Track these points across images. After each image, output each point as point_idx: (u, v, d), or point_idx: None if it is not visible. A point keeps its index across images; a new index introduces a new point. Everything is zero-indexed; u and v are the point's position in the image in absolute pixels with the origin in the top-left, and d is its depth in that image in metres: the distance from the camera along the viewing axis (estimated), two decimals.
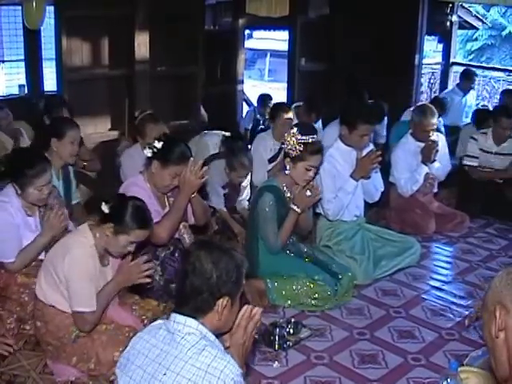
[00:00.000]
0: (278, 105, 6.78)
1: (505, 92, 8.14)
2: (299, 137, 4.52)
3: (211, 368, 2.30)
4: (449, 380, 2.94)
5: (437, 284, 5.20)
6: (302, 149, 4.52)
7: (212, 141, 6.30)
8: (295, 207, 4.62)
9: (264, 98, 9.48)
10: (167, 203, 4.41)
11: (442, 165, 6.36)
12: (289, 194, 4.72)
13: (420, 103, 7.37)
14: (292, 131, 4.59)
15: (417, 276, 5.33)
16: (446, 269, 5.54)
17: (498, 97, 8.27)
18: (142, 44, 6.94)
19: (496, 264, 5.49)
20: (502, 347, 1.95)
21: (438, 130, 6.67)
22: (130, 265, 3.63)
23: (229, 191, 5.78)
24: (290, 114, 6.39)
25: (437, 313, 4.70)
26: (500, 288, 1.96)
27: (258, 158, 6.19)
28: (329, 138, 5.93)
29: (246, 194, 5.94)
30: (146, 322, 3.78)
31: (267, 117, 9.05)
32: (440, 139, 6.36)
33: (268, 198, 4.58)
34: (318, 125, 7.26)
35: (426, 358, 4.08)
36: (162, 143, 4.17)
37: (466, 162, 6.83)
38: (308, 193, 4.64)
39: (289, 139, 4.56)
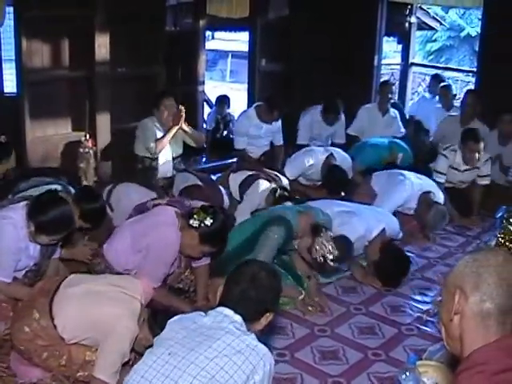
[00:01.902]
0: None
1: (468, 92, 8.25)
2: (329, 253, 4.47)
3: (257, 348, 2.54)
4: (407, 374, 3.01)
5: None
6: (320, 261, 4.50)
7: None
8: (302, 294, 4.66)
9: (221, 99, 9.52)
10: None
11: None
12: (296, 244, 4.69)
13: None
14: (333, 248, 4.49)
15: None
16: None
17: (462, 96, 8.40)
18: (102, 45, 6.90)
19: (454, 260, 5.57)
20: (456, 329, 2.02)
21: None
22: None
23: None
24: None
25: (396, 309, 4.79)
26: (463, 273, 2.00)
27: (249, 203, 5.92)
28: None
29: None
30: None
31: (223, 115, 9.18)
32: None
33: (281, 232, 4.47)
34: (279, 123, 7.36)
35: (386, 353, 4.16)
36: (211, 221, 4.11)
37: (436, 178, 6.76)
38: (310, 308, 4.66)
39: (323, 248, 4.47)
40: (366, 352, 4.16)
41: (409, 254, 5.76)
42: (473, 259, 2.02)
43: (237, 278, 2.79)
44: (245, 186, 5.87)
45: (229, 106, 9.72)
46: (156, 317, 3.52)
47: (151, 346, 2.99)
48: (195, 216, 4.10)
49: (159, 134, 6.20)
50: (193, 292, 4.45)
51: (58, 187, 4.54)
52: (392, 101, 8.29)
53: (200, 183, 5.90)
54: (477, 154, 6.55)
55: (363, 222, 5.16)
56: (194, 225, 4.08)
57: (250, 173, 5.97)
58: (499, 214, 4.96)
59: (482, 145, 6.55)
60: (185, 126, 6.30)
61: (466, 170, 6.77)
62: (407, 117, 9.15)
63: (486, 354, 1.95)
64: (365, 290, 5.08)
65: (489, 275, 1.96)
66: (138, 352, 3.57)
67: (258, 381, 2.50)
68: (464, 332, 2.00)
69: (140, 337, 3.49)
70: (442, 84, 9.07)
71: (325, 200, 5.68)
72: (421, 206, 6.06)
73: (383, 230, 5.24)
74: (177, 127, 6.17)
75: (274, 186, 5.78)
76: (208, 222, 4.07)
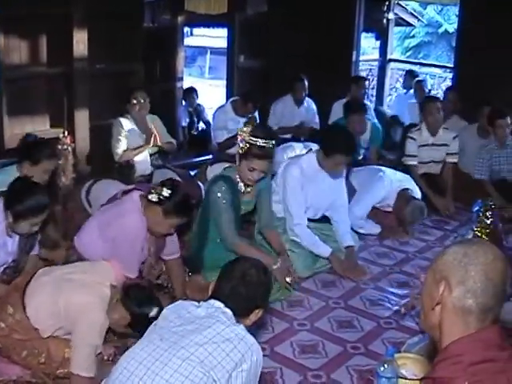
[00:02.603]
0: None
1: (449, 90, 8.35)
2: (250, 136, 4.46)
3: (245, 338, 2.63)
4: (386, 366, 3.05)
5: (375, 275, 5.32)
6: (248, 148, 4.48)
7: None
8: (274, 262, 4.57)
9: (189, 91, 9.50)
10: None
11: None
12: (243, 189, 4.70)
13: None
14: (247, 128, 4.53)
15: None
16: (384, 260, 5.66)
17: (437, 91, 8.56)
18: (80, 41, 6.88)
19: (431, 254, 5.62)
20: (436, 318, 2.06)
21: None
22: None
23: None
24: None
25: (375, 302, 4.82)
26: (452, 265, 2.02)
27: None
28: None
29: None
30: None
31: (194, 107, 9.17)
32: None
33: (220, 186, 4.53)
34: (255, 115, 7.39)
35: (365, 346, 4.19)
36: (169, 192, 4.09)
37: (408, 161, 6.88)
38: (288, 279, 4.64)
39: (242, 134, 4.51)
40: (345, 345, 4.18)
41: (387, 248, 5.87)
42: (463, 253, 2.03)
43: (228, 275, 2.87)
44: None
45: (197, 97, 9.71)
46: (129, 292, 3.53)
47: (130, 324, 3.05)
48: (153, 191, 4.11)
49: (133, 131, 6.21)
50: (172, 287, 4.45)
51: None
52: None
53: (178, 179, 5.91)
54: (438, 115, 6.74)
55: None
56: (154, 199, 4.08)
57: (227, 164, 5.98)
58: (475, 208, 5.01)
59: (439, 104, 6.78)
60: (158, 142, 6.30)
61: (434, 145, 6.89)
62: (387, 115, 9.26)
63: (463, 346, 1.99)
64: (344, 284, 5.11)
65: (476, 273, 1.98)
66: (120, 333, 3.61)
67: (245, 369, 2.57)
68: (443, 322, 2.04)
69: (116, 317, 3.51)
70: (417, 79, 9.18)
71: None
72: (399, 201, 6.11)
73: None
74: (148, 146, 6.18)
75: None
76: (165, 193, 4.07)
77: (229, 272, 2.89)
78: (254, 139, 4.43)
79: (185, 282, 4.63)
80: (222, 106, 7.54)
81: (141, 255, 4.24)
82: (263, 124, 7.04)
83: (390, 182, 6.11)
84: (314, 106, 8.18)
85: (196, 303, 2.80)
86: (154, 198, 4.07)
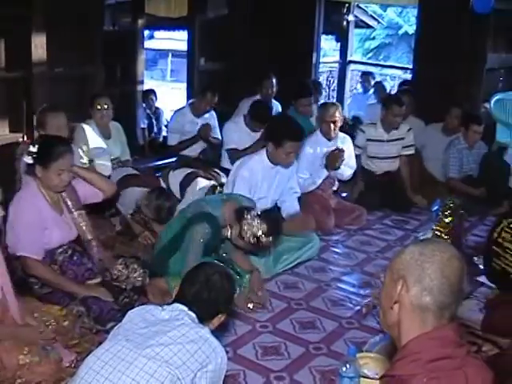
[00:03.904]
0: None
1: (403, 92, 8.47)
2: (258, 232, 4.49)
3: (209, 341, 2.68)
4: (348, 366, 3.06)
5: (337, 275, 5.35)
6: (253, 241, 4.51)
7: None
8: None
9: (147, 94, 9.47)
10: (64, 207, 4.32)
11: (348, 167, 6.60)
12: (228, 233, 4.66)
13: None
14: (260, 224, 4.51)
15: (317, 268, 5.46)
16: (346, 260, 5.70)
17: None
18: (39, 45, 6.81)
19: (392, 254, 5.60)
20: (394, 316, 2.10)
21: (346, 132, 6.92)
22: None
23: (136, 210, 5.70)
24: None
25: (337, 303, 4.84)
26: (409, 264, 2.07)
27: (188, 201, 5.84)
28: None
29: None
30: (50, 327, 3.77)
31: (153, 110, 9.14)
32: (348, 142, 6.59)
33: (204, 229, 4.44)
34: (214, 120, 7.42)
35: (327, 346, 4.20)
36: (36, 146, 4.09)
37: (354, 151, 7.02)
38: (250, 305, 4.66)
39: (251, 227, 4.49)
40: (308, 346, 4.19)
41: (348, 249, 5.92)
42: (419, 252, 2.07)
43: (192, 279, 2.91)
44: (184, 184, 5.88)
45: (156, 99, 9.70)
46: None
47: None
48: (25, 154, 4.17)
49: (95, 137, 6.14)
50: (131, 291, 4.42)
51: None
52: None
53: (137, 172, 5.94)
54: (399, 118, 6.91)
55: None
56: (30, 161, 4.11)
57: (189, 171, 5.97)
58: (435, 208, 5.08)
59: (404, 109, 6.92)
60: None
61: (390, 141, 7.03)
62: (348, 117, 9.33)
63: (421, 344, 2.02)
64: (306, 285, 5.12)
65: (432, 271, 2.02)
66: None
67: (210, 370, 2.62)
68: (402, 321, 2.07)
69: None
70: (376, 80, 9.32)
71: None
72: None
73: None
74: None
75: (213, 183, 5.79)
76: (33, 149, 4.08)
77: (193, 277, 2.92)
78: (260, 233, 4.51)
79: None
80: (181, 109, 7.51)
81: (44, 234, 4.16)
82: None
83: None
84: (279, 109, 8.18)
85: (160, 307, 2.82)
86: (29, 160, 4.11)
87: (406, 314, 2.06)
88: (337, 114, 6.29)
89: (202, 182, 5.85)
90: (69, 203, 4.34)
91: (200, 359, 2.58)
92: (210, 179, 5.91)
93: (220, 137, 7.27)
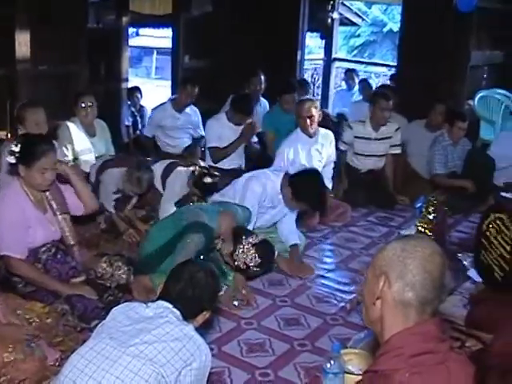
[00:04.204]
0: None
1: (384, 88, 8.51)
2: (250, 263, 4.52)
3: (194, 338, 2.68)
4: (332, 362, 3.07)
5: (321, 272, 5.36)
6: (242, 267, 4.56)
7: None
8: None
9: (132, 91, 9.45)
10: (48, 207, 4.29)
11: (329, 161, 6.67)
12: (219, 246, 4.68)
13: None
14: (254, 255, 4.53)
15: None
16: (330, 257, 5.73)
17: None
18: (23, 43, 6.80)
19: (376, 250, 5.67)
20: (377, 312, 2.11)
21: (324, 124, 6.92)
22: None
23: (120, 197, 5.68)
24: None
25: (321, 300, 4.85)
26: (391, 260, 2.08)
27: (170, 192, 5.84)
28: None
29: (135, 199, 5.87)
30: (33, 324, 3.75)
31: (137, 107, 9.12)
32: (330, 138, 6.61)
33: (199, 238, 4.43)
34: (198, 117, 7.48)
35: (312, 343, 4.21)
36: (18, 145, 4.04)
37: (340, 146, 7.14)
38: (235, 303, 4.66)
39: (245, 256, 4.53)
40: (293, 343, 4.20)
41: (333, 246, 5.94)
42: (401, 248, 2.09)
43: (176, 277, 2.91)
44: (165, 175, 5.88)
45: (141, 97, 9.68)
46: None
47: None
48: (7, 153, 4.13)
49: (80, 134, 6.14)
50: (116, 289, 4.40)
51: None
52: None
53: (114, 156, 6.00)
54: (386, 112, 6.91)
55: (259, 181, 5.33)
56: (13, 161, 4.07)
57: (168, 162, 5.96)
58: (418, 204, 5.10)
59: (391, 103, 6.91)
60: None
61: (377, 139, 7.04)
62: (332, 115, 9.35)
63: (403, 339, 2.03)
64: (290, 282, 5.13)
65: (414, 267, 2.03)
66: None
67: (195, 368, 2.62)
68: (384, 316, 2.08)
69: None
70: (362, 78, 9.36)
71: None
72: None
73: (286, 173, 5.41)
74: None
75: (192, 168, 5.76)
76: (15, 148, 4.03)
77: (177, 274, 2.92)
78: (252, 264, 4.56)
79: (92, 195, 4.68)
80: (162, 104, 7.55)
81: (28, 233, 4.13)
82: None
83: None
84: (267, 107, 8.18)
85: (144, 304, 2.81)
86: (12, 160, 4.07)
87: (388, 310, 2.07)
88: (312, 109, 6.27)
89: (183, 169, 5.84)
90: (54, 205, 4.31)
91: (184, 357, 2.58)
92: (189, 166, 5.89)
93: (203, 133, 7.27)
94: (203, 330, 4.15)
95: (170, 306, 2.77)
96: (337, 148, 6.96)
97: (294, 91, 7.53)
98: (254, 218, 5.23)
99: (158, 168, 5.83)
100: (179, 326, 2.67)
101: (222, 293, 4.53)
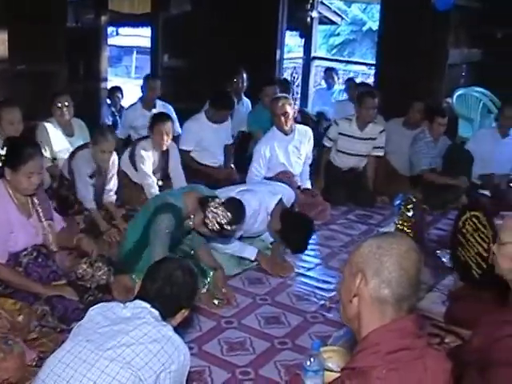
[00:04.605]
0: (158, 117, 6.41)
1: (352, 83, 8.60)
2: (222, 221, 4.48)
3: (172, 339, 2.65)
4: (312, 360, 3.07)
5: (301, 270, 5.37)
6: (217, 229, 4.51)
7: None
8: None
9: (113, 91, 9.43)
10: (32, 211, 4.24)
11: (307, 158, 6.70)
12: (190, 223, 4.65)
13: None
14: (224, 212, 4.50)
15: None
16: (310, 255, 5.71)
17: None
18: (0, 42, 6.77)
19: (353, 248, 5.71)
20: (354, 309, 2.13)
21: (303, 123, 6.93)
22: None
23: (96, 181, 5.68)
24: (168, 129, 6.19)
25: (301, 298, 4.86)
26: (367, 257, 2.09)
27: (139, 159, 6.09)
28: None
29: (112, 184, 5.82)
30: (3, 319, 3.72)
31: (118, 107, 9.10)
32: (309, 135, 6.63)
33: (168, 219, 4.42)
34: (167, 107, 7.42)
35: (292, 341, 4.22)
36: (5, 149, 4.04)
37: (324, 142, 7.20)
38: (216, 301, 4.65)
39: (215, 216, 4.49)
40: (273, 341, 4.21)
41: (312, 244, 5.91)
42: (377, 245, 2.10)
43: (153, 276, 2.88)
44: (131, 155, 6.10)
45: (122, 97, 9.65)
46: None
47: None
48: None
49: (58, 134, 6.14)
50: (96, 289, 4.39)
51: None
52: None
53: None
54: (372, 110, 6.94)
55: (256, 197, 5.30)
56: None
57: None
58: (397, 202, 5.13)
59: (377, 101, 6.93)
60: None
61: (362, 139, 7.06)
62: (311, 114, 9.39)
63: (380, 336, 2.04)
64: (270, 280, 5.14)
65: (390, 264, 2.04)
66: None
67: (173, 370, 2.59)
68: (361, 313, 2.09)
69: None
70: (349, 77, 9.42)
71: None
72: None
73: (280, 199, 5.42)
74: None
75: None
76: (1, 151, 4.11)
77: (155, 272, 2.89)
78: (224, 221, 4.52)
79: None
80: (133, 104, 7.57)
81: (8, 237, 4.10)
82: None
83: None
84: (250, 105, 8.18)
85: (122, 304, 2.79)
86: None
87: (365, 307, 2.09)
88: (286, 106, 6.30)
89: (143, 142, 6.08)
90: (40, 211, 4.27)
91: (163, 359, 2.56)
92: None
93: (179, 131, 7.26)
94: (183, 329, 4.18)
95: (148, 305, 2.74)
96: (321, 145, 6.99)
97: (275, 84, 7.54)
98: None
99: (124, 156, 5.96)
100: (157, 327, 2.65)
101: (203, 291, 4.57)
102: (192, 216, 4.61)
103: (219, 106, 6.83)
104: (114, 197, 5.85)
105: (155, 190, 5.94)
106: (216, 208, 4.47)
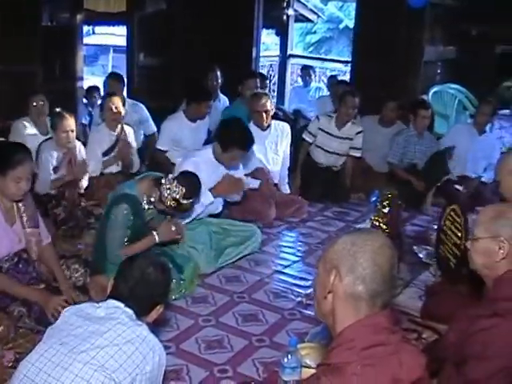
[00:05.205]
0: (107, 94, 6.70)
1: (339, 84, 8.59)
2: (177, 196, 4.46)
3: (147, 340, 2.62)
4: (290, 356, 3.08)
5: (278, 268, 5.38)
6: (174, 205, 4.49)
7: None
8: (156, 235, 4.55)
9: (91, 90, 9.39)
10: (17, 217, 4.15)
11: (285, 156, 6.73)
12: (146, 207, 4.59)
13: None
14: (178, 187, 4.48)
15: (259, 261, 5.48)
16: (287, 253, 5.74)
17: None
18: None
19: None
20: (329, 305, 2.14)
21: (281, 119, 6.95)
22: None
23: (64, 172, 5.77)
24: (116, 102, 6.33)
25: (279, 295, 4.88)
26: (341, 255, 2.10)
27: (91, 150, 6.18)
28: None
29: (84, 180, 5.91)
30: None
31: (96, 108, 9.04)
32: (286, 131, 6.65)
33: (122, 209, 4.37)
34: (144, 112, 7.45)
35: (270, 338, 4.22)
36: None
37: (305, 136, 7.19)
38: (173, 228, 4.63)
39: (170, 192, 4.46)
40: (251, 339, 4.21)
41: (289, 242, 5.99)
42: (351, 242, 2.11)
43: (125, 274, 2.86)
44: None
45: (99, 97, 9.59)
46: None
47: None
48: None
49: (32, 133, 6.13)
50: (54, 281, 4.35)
51: None
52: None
53: None
54: (352, 110, 6.98)
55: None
56: None
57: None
58: (373, 199, 5.15)
59: (357, 101, 6.97)
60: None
61: (338, 138, 7.09)
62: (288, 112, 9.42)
63: (355, 332, 2.06)
64: (248, 278, 5.15)
65: (364, 260, 2.06)
66: None
67: (148, 371, 2.57)
68: (336, 309, 2.10)
69: None
70: (331, 75, 9.47)
71: None
72: None
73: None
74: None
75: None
76: None
77: (126, 271, 2.87)
78: (179, 196, 4.49)
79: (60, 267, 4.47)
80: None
81: None
82: None
83: None
84: (227, 102, 8.17)
85: (96, 304, 2.76)
86: None
87: (339, 303, 2.10)
88: (268, 104, 6.35)
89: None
90: (24, 218, 4.18)
91: (137, 360, 2.54)
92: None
93: (154, 129, 7.24)
94: (161, 327, 4.19)
95: (122, 305, 2.72)
96: (298, 142, 7.00)
97: (256, 77, 7.54)
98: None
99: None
100: (131, 328, 2.62)
101: (173, 228, 4.60)
102: (147, 198, 4.57)
103: (199, 98, 6.81)
104: (85, 184, 5.98)
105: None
106: (170, 184, 4.45)
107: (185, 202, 4.50)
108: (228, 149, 5.26)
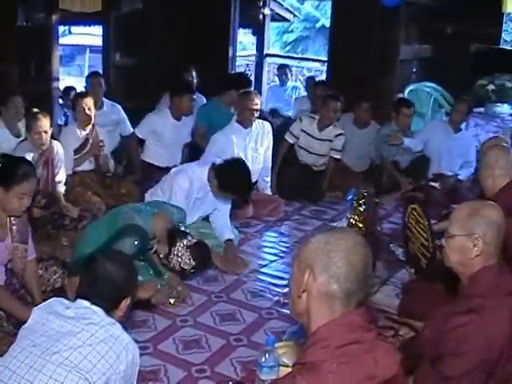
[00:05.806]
0: (79, 94, 6.70)
1: (317, 84, 8.61)
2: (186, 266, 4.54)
3: (120, 338, 2.60)
4: (267, 355, 3.09)
5: (255, 267, 5.40)
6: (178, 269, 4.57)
7: None
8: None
9: (67, 91, 9.34)
10: (9, 232, 4.05)
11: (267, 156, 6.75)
12: (155, 247, 4.62)
13: None
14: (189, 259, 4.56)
15: None
16: (265, 252, 5.77)
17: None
18: None
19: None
20: (303, 304, 2.14)
21: (264, 118, 6.96)
22: None
23: (42, 171, 5.68)
24: (88, 103, 6.30)
25: (256, 294, 4.90)
26: (315, 254, 2.09)
27: (65, 150, 6.08)
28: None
29: (61, 176, 5.89)
30: None
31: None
32: (268, 129, 6.69)
33: (132, 242, 4.29)
34: (121, 113, 7.42)
35: (248, 337, 4.25)
36: None
37: (287, 137, 7.19)
38: (171, 300, 4.64)
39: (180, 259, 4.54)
40: (229, 338, 4.23)
41: (267, 241, 6.04)
42: (325, 241, 2.10)
43: (88, 273, 2.83)
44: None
45: None
46: None
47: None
48: None
49: (5, 135, 6.13)
50: (51, 292, 4.29)
51: None
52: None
53: None
54: (333, 114, 6.99)
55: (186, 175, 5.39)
56: None
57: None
58: (349, 197, 5.18)
59: (339, 104, 6.98)
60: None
61: (319, 139, 7.09)
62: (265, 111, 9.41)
63: (329, 330, 2.06)
64: (225, 278, 5.14)
65: (338, 259, 2.06)
66: None
67: (122, 370, 2.56)
68: (310, 308, 2.11)
69: None
70: (309, 75, 9.49)
71: None
72: None
73: (213, 164, 5.42)
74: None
75: None
76: None
77: (89, 271, 2.84)
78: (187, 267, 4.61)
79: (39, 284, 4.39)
80: None
81: None
82: None
83: None
84: (204, 101, 8.14)
85: (65, 301, 2.74)
86: None
87: (314, 302, 2.10)
88: (259, 102, 6.39)
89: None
90: (14, 233, 4.08)
91: (111, 360, 2.52)
92: None
93: (131, 130, 7.23)
94: (138, 328, 4.19)
95: (89, 304, 2.69)
96: (277, 141, 7.02)
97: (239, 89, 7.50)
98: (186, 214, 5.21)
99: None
100: (104, 327, 2.60)
101: (158, 287, 4.51)
102: (157, 240, 4.59)
103: (181, 91, 6.85)
104: (64, 188, 5.91)
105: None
106: (182, 252, 4.52)
107: (189, 271, 4.57)
108: (225, 191, 5.33)
